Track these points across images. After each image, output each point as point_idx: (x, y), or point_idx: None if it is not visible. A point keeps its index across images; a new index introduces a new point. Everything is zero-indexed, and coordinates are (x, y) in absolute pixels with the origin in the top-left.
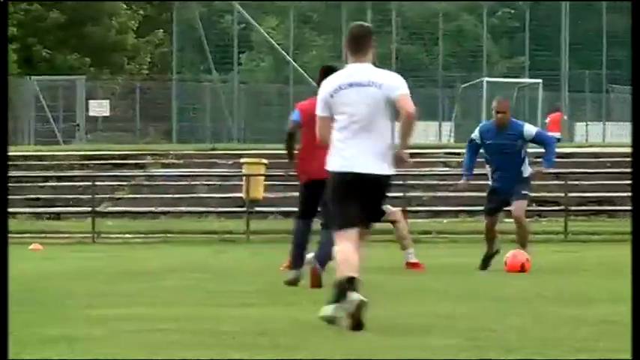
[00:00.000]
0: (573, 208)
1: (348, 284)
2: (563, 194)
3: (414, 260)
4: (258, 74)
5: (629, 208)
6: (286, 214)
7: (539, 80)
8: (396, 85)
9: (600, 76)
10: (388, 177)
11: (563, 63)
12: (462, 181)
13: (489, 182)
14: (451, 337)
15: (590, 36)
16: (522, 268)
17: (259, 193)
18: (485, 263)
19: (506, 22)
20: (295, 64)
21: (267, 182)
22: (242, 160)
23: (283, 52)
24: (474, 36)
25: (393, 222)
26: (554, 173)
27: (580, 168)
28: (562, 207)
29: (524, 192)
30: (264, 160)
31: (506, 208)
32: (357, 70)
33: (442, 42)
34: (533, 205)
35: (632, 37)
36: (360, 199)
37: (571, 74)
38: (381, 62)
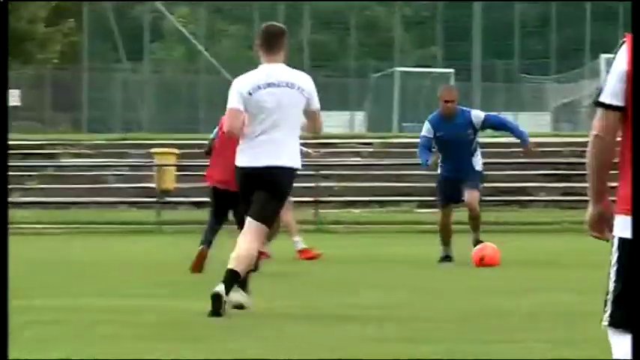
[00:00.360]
0: (485, 198)
1: (229, 279)
2: None
3: (303, 247)
4: (170, 64)
5: (541, 198)
6: (198, 205)
7: (451, 70)
8: (313, 93)
9: (512, 65)
10: (291, 169)
11: (476, 52)
12: (430, 161)
13: (439, 172)
14: (377, 327)
15: (502, 26)
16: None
17: (170, 183)
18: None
19: (418, 12)
20: (207, 54)
21: (178, 172)
22: (153, 150)
23: (195, 41)
24: (386, 26)
25: None
26: None
27: (492, 158)
28: None
29: (476, 182)
30: (176, 150)
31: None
32: (274, 71)
33: (354, 32)
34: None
35: (632, 36)
36: (262, 191)
37: (483, 64)
38: (293, 53)
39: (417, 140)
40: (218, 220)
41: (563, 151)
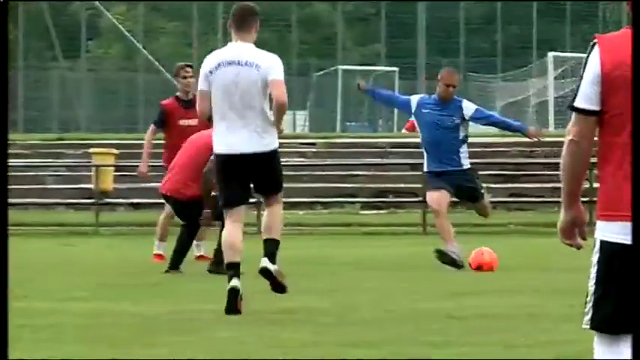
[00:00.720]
0: None
1: (231, 271)
2: (420, 185)
3: (200, 253)
4: (107, 62)
5: (494, 199)
6: (136, 206)
7: (395, 68)
8: (271, 67)
9: (458, 63)
10: (270, 152)
11: (420, 51)
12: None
13: (425, 167)
14: (319, 331)
15: (447, 23)
16: (490, 267)
17: (109, 184)
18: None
19: (360, 9)
20: (145, 52)
21: (116, 173)
22: (91, 150)
23: (133, 39)
24: (328, 23)
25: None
26: (410, 164)
27: None
28: (420, 198)
29: (482, 190)
30: (114, 150)
31: (469, 207)
32: (239, 49)
33: (295, 29)
34: (390, 196)
35: (632, 37)
36: (245, 178)
37: (428, 62)
38: None
39: (361, 140)
40: (190, 230)
41: (511, 151)
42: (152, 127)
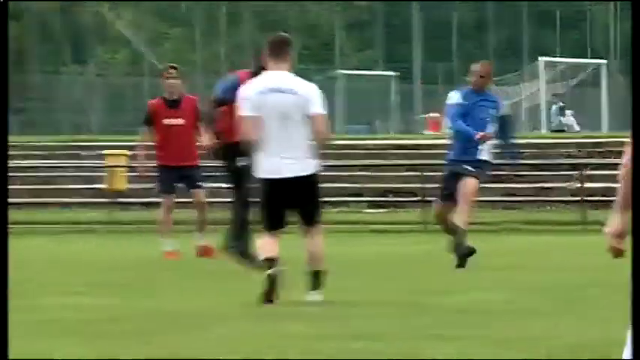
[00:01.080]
0: (430, 198)
1: (269, 263)
2: (420, 185)
3: (170, 249)
4: (114, 67)
5: (487, 198)
6: (148, 205)
7: (392, 73)
8: (312, 99)
9: (452, 67)
10: (312, 176)
11: (416, 55)
12: (480, 134)
13: (448, 165)
14: (315, 325)
15: (441, 28)
16: None
17: (122, 184)
18: (461, 261)
19: (358, 15)
20: (150, 57)
21: (129, 174)
22: (104, 152)
23: (138, 45)
24: (327, 28)
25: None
26: (407, 165)
27: (436, 159)
28: (419, 198)
29: (478, 169)
30: (126, 152)
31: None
32: (280, 77)
33: (295, 34)
34: (390, 195)
35: (632, 37)
36: (288, 203)
37: (424, 66)
38: (235, 55)
39: (359, 142)
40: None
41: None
42: (144, 128)
